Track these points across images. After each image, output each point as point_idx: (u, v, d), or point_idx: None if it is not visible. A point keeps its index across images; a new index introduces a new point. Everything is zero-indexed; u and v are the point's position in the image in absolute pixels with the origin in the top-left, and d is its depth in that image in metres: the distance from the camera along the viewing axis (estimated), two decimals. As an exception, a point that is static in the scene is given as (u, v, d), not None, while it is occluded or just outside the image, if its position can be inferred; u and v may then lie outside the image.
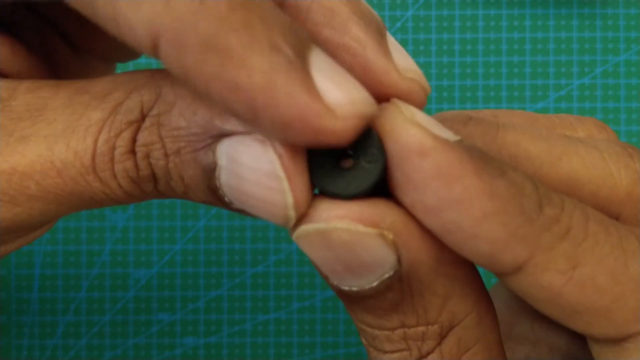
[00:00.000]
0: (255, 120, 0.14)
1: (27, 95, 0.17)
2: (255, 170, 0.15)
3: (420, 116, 0.15)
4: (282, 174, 0.15)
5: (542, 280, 0.15)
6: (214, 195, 0.16)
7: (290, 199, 0.15)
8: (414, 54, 0.39)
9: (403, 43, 0.39)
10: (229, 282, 0.40)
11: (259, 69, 0.13)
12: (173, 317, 0.40)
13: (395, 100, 0.15)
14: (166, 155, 0.16)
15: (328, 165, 0.15)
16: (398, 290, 0.16)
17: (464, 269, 0.16)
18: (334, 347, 0.39)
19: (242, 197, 0.15)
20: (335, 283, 0.16)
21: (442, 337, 0.16)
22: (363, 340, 0.17)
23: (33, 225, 0.18)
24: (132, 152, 0.16)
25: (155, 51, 0.14)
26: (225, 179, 0.15)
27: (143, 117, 0.16)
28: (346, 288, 0.16)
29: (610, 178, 0.18)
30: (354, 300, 0.16)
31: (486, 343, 0.17)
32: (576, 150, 0.18)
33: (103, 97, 0.16)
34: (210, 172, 0.16)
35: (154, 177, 0.16)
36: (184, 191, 0.16)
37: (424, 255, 0.15)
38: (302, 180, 0.15)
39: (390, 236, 0.15)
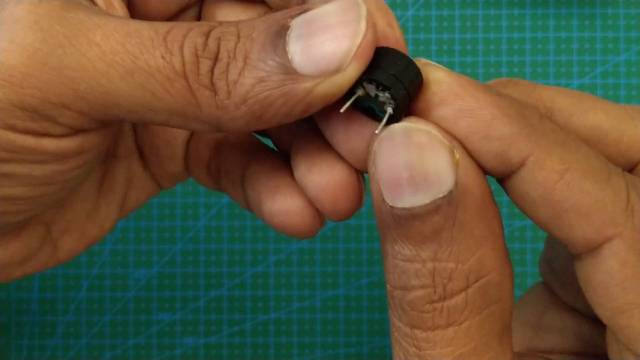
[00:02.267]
0: None
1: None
2: (330, 12, 0.18)
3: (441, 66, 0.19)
4: (360, 1, 0.18)
5: (539, 176, 0.18)
6: (275, 64, 0.18)
7: (364, 10, 0.18)
8: (414, 54, 0.39)
9: (403, 43, 0.39)
10: (229, 282, 0.40)
11: None
12: (173, 317, 0.40)
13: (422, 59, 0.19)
14: (238, 37, 0.18)
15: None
16: (444, 214, 0.17)
17: (499, 228, 0.18)
18: (334, 347, 0.39)
19: (310, 45, 0.18)
20: (390, 203, 0.18)
21: (468, 283, 0.18)
22: (388, 286, 0.19)
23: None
24: (207, 34, 0.18)
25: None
26: (296, 32, 0.18)
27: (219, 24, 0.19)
28: (400, 206, 0.17)
29: (631, 128, 0.20)
30: (400, 223, 0.18)
31: (502, 307, 0.18)
32: (603, 105, 0.21)
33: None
34: (279, 37, 0.18)
35: (216, 57, 0.18)
36: (235, 79, 0.18)
37: (476, 188, 0.18)
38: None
39: (457, 155, 0.18)
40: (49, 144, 0.19)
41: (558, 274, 0.23)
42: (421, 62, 0.19)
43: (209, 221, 0.40)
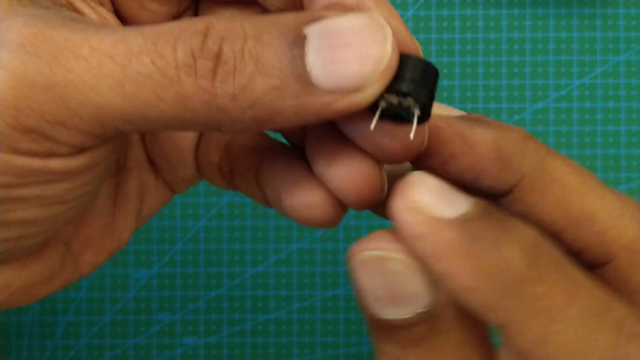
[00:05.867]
0: None
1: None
2: (354, 28, 0.17)
3: (425, 195, 0.17)
4: (384, 22, 0.18)
5: (515, 343, 0.17)
6: (290, 73, 0.17)
7: (389, 33, 0.18)
8: (414, 54, 0.39)
9: (403, 43, 0.39)
10: (229, 282, 0.40)
11: None
12: (173, 317, 0.40)
13: (409, 179, 0.18)
14: (245, 37, 0.17)
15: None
16: (425, 326, 0.18)
17: (477, 326, 0.19)
18: (334, 347, 0.39)
19: (332, 61, 0.17)
20: (374, 311, 0.18)
21: None
22: None
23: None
24: (205, 34, 0.17)
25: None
26: (315, 45, 0.17)
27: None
28: (382, 317, 0.18)
29: (617, 225, 0.21)
30: (385, 329, 0.18)
31: None
32: (602, 193, 0.21)
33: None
34: (297, 46, 0.17)
35: (217, 58, 0.17)
36: (244, 83, 0.17)
37: (452, 299, 0.18)
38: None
39: (432, 276, 0.18)
40: (57, 164, 0.18)
41: None
42: (411, 180, 0.18)
43: (209, 221, 0.40)
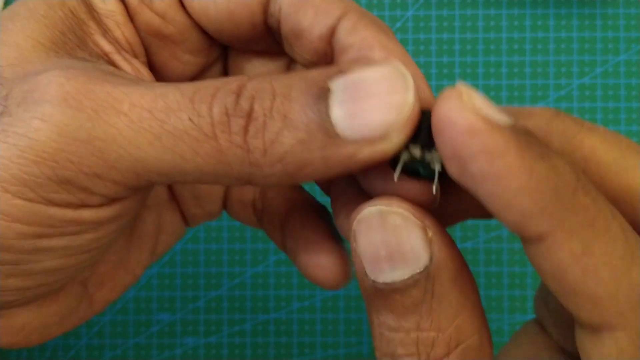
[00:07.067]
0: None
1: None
2: (377, 79, 0.18)
3: (477, 100, 0.17)
4: (406, 71, 0.18)
5: (555, 256, 0.17)
6: (316, 126, 0.18)
7: (411, 82, 0.18)
8: (414, 54, 0.39)
9: (403, 43, 0.39)
10: (229, 282, 0.40)
11: None
12: (173, 317, 0.40)
13: (458, 86, 0.17)
14: (274, 95, 0.18)
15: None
16: (422, 288, 0.18)
17: (475, 295, 0.19)
18: (334, 347, 0.39)
19: (355, 112, 0.18)
20: (372, 278, 0.18)
21: (449, 349, 0.18)
22: (377, 353, 0.19)
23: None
24: (237, 93, 0.18)
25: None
26: (339, 97, 0.18)
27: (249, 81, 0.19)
28: (381, 281, 0.18)
29: None
30: (383, 295, 0.18)
31: None
32: None
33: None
34: (322, 100, 0.18)
35: (249, 116, 0.18)
36: (273, 138, 0.18)
37: (450, 262, 0.18)
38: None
39: (430, 233, 0.18)
40: (87, 214, 0.19)
41: (552, 312, 0.23)
42: (460, 88, 0.18)
43: (209, 221, 0.40)
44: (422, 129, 0.18)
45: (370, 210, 0.18)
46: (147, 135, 0.18)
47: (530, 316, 0.25)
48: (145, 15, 0.22)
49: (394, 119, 0.18)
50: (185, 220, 0.27)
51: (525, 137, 0.17)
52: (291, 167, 0.18)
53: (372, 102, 0.18)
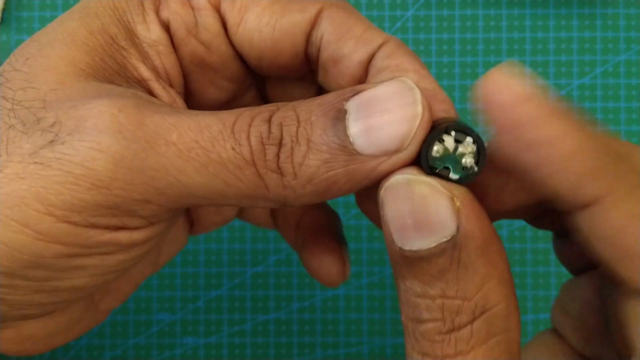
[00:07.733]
0: None
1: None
2: (386, 95, 0.19)
3: (526, 74, 0.18)
4: (413, 85, 0.19)
5: (614, 217, 0.17)
6: (337, 147, 0.19)
7: (418, 94, 0.19)
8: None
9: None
10: (229, 282, 0.40)
11: None
12: (173, 317, 0.40)
13: (506, 64, 0.18)
14: (298, 122, 0.19)
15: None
16: (449, 256, 0.18)
17: (503, 264, 0.19)
18: (334, 347, 0.39)
19: (371, 128, 0.19)
20: (399, 245, 0.19)
21: (474, 316, 0.19)
22: (403, 317, 0.20)
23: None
24: (269, 121, 0.20)
25: None
26: (354, 116, 0.19)
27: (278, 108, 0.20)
28: (407, 248, 0.19)
29: None
30: (409, 262, 0.19)
31: (509, 337, 0.19)
32: None
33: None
34: (339, 121, 0.19)
35: (280, 142, 0.19)
36: (301, 161, 0.19)
37: (477, 231, 0.18)
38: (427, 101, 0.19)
39: (458, 203, 0.18)
40: (123, 236, 0.20)
41: (572, 317, 0.24)
42: (506, 67, 0.18)
43: (209, 221, 0.40)
44: (451, 124, 0.19)
45: (397, 179, 0.19)
46: (194, 163, 0.19)
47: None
48: (192, 45, 0.23)
49: (407, 130, 0.19)
50: (194, 229, 0.28)
51: (566, 111, 0.17)
52: (320, 186, 0.19)
53: (385, 117, 0.19)
